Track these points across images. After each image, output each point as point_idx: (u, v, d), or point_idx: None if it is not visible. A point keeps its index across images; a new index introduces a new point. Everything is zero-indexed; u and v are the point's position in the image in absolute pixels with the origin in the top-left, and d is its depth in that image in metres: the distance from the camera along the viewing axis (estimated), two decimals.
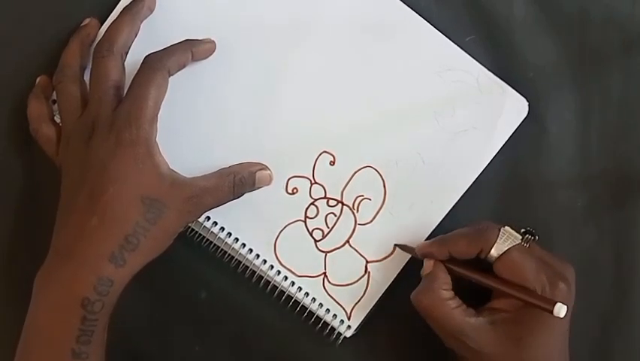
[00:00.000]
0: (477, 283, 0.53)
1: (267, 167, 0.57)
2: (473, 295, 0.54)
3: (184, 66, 0.55)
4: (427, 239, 0.57)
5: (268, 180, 0.57)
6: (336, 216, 0.58)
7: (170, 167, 0.53)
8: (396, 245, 0.57)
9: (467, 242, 0.53)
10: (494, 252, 0.52)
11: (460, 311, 0.52)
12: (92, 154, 0.52)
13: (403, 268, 0.57)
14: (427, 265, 0.54)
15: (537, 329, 0.51)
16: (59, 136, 0.56)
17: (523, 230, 0.53)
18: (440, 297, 0.52)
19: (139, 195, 0.51)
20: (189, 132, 0.58)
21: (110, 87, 0.54)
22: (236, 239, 0.58)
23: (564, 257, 0.53)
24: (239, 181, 0.55)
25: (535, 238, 0.52)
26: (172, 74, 0.54)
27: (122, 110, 0.52)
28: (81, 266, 0.51)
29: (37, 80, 0.58)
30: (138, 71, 0.53)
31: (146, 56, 0.54)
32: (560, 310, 0.48)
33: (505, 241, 0.52)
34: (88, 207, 0.51)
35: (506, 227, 0.53)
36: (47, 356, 0.51)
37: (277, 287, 0.58)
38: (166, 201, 0.52)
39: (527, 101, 0.58)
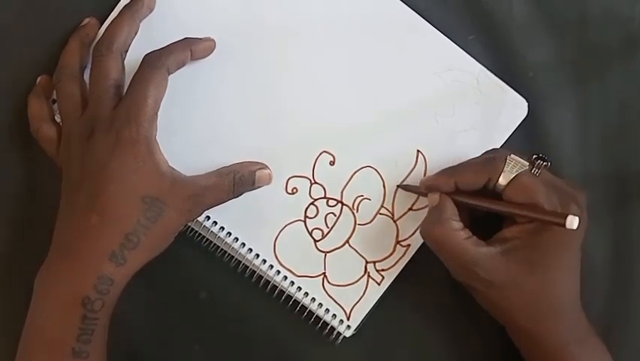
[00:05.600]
0: (486, 210, 0.52)
1: (266, 166, 0.57)
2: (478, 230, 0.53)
3: (183, 64, 0.55)
4: None
5: (268, 180, 0.57)
6: (335, 216, 0.58)
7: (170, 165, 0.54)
8: (398, 186, 0.57)
9: (474, 172, 0.53)
10: (502, 180, 0.51)
11: (472, 242, 0.52)
12: (92, 153, 0.52)
13: (403, 268, 0.57)
14: (433, 198, 0.53)
15: (549, 252, 0.51)
16: (60, 136, 0.56)
17: (534, 156, 0.52)
18: (451, 228, 0.52)
19: (139, 193, 0.51)
20: (189, 131, 0.58)
21: (110, 86, 0.54)
22: (236, 239, 0.58)
23: (576, 183, 0.53)
24: (239, 180, 0.55)
25: (547, 163, 0.52)
26: (171, 73, 0.54)
27: (122, 109, 0.52)
28: (81, 265, 0.51)
29: (38, 79, 0.58)
30: (138, 69, 0.53)
31: (146, 55, 0.54)
32: (573, 221, 0.47)
33: (512, 169, 0.51)
34: (88, 205, 0.51)
35: (512, 155, 0.52)
36: (48, 355, 0.51)
37: (277, 287, 0.58)
38: (166, 199, 0.52)
39: (527, 101, 0.58)
